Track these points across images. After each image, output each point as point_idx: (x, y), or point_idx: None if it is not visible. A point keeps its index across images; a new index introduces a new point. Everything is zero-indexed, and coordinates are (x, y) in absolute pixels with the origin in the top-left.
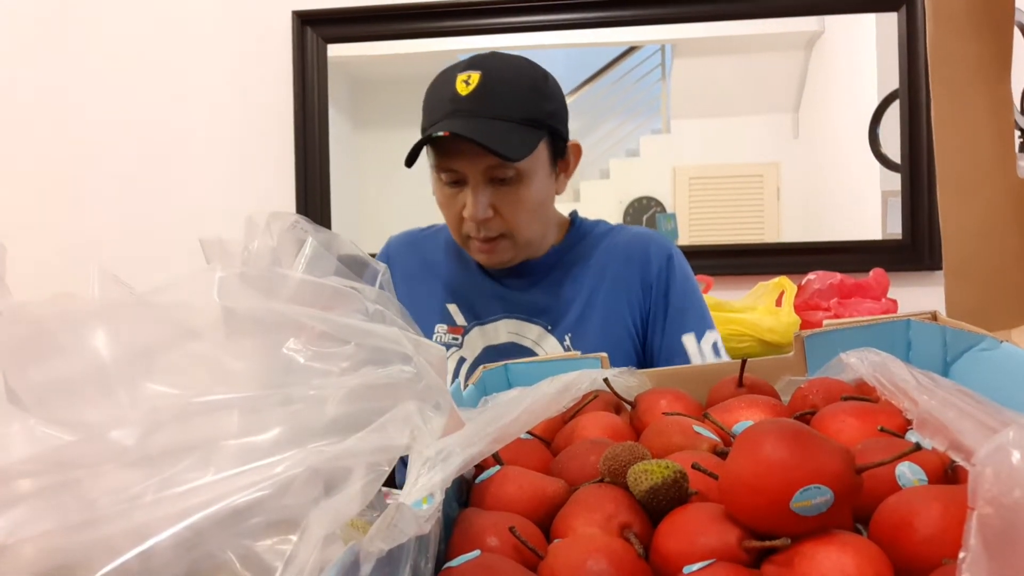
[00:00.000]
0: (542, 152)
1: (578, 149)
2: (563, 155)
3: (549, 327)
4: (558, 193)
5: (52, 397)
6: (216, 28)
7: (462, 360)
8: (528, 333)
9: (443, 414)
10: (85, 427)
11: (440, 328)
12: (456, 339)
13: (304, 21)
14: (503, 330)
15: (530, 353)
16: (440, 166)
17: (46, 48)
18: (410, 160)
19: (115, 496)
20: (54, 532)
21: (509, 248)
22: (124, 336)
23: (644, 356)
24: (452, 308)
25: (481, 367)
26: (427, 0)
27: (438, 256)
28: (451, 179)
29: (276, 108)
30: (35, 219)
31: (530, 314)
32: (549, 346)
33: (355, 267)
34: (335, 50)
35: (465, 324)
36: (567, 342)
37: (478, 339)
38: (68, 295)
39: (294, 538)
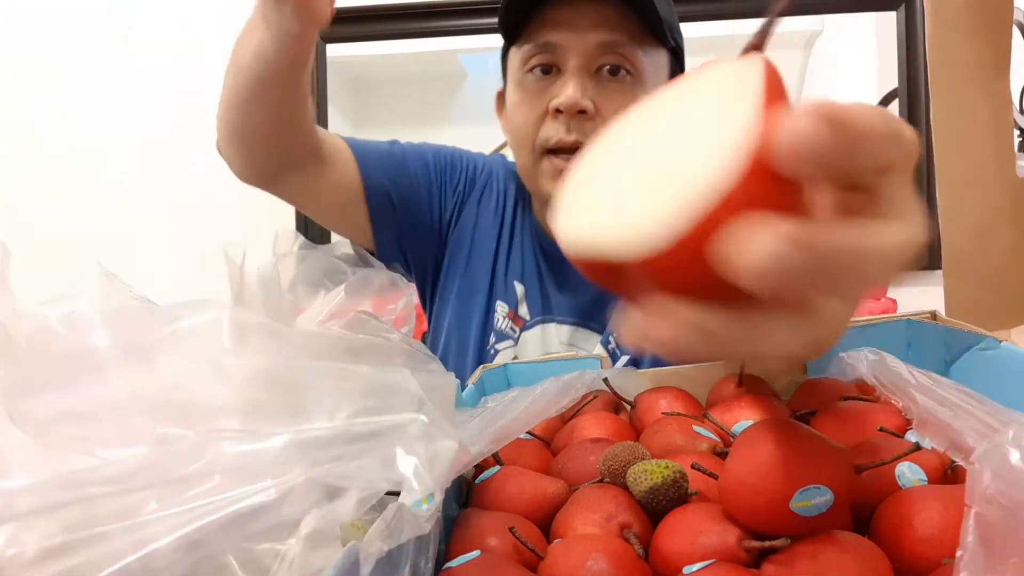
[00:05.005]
0: (663, 72)
1: None
2: None
3: (603, 336)
4: None
5: (60, 417)
6: (216, 28)
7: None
8: (585, 343)
9: (450, 453)
10: (93, 449)
11: (501, 308)
12: (514, 332)
13: None
14: (555, 340)
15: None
16: (532, 39)
17: (45, 48)
18: (508, 25)
19: (118, 505)
20: (56, 538)
21: None
22: (127, 341)
23: None
24: (520, 290)
25: (481, 367)
26: (427, 0)
27: (513, 220)
28: (544, 61)
29: None
30: (35, 220)
31: (588, 317)
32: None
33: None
34: (334, 50)
35: (527, 317)
36: (619, 364)
37: (537, 343)
38: (69, 296)
39: (292, 541)
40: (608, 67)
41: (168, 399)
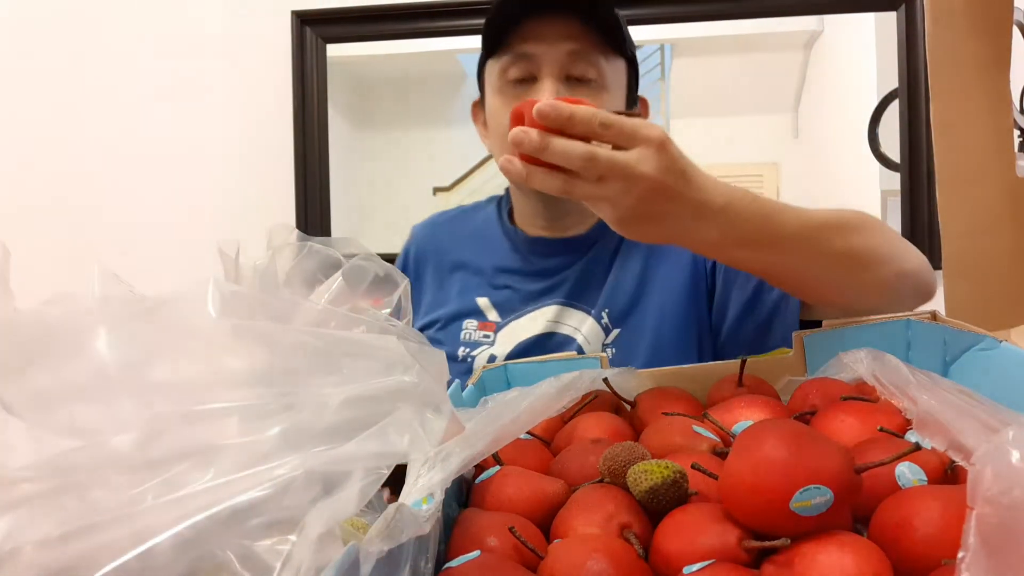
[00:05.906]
0: (623, 77)
1: (646, 105)
2: (635, 104)
3: (593, 312)
4: None
5: (55, 401)
6: (215, 28)
7: (492, 358)
8: (569, 320)
9: (443, 419)
10: (86, 432)
11: (470, 324)
12: (488, 336)
13: (303, 21)
14: (541, 319)
15: (570, 341)
16: (511, 51)
17: (46, 49)
18: (491, 38)
19: (116, 498)
20: (54, 534)
21: None
22: (125, 338)
23: (718, 335)
24: (483, 303)
25: (481, 367)
26: (427, 0)
27: (470, 241)
28: (519, 73)
29: (275, 108)
30: (35, 219)
31: (572, 297)
32: (590, 334)
33: (381, 283)
34: (334, 50)
35: (498, 320)
36: (611, 336)
37: (512, 334)
38: (69, 295)
39: (293, 538)
40: (578, 74)
41: (156, 376)
